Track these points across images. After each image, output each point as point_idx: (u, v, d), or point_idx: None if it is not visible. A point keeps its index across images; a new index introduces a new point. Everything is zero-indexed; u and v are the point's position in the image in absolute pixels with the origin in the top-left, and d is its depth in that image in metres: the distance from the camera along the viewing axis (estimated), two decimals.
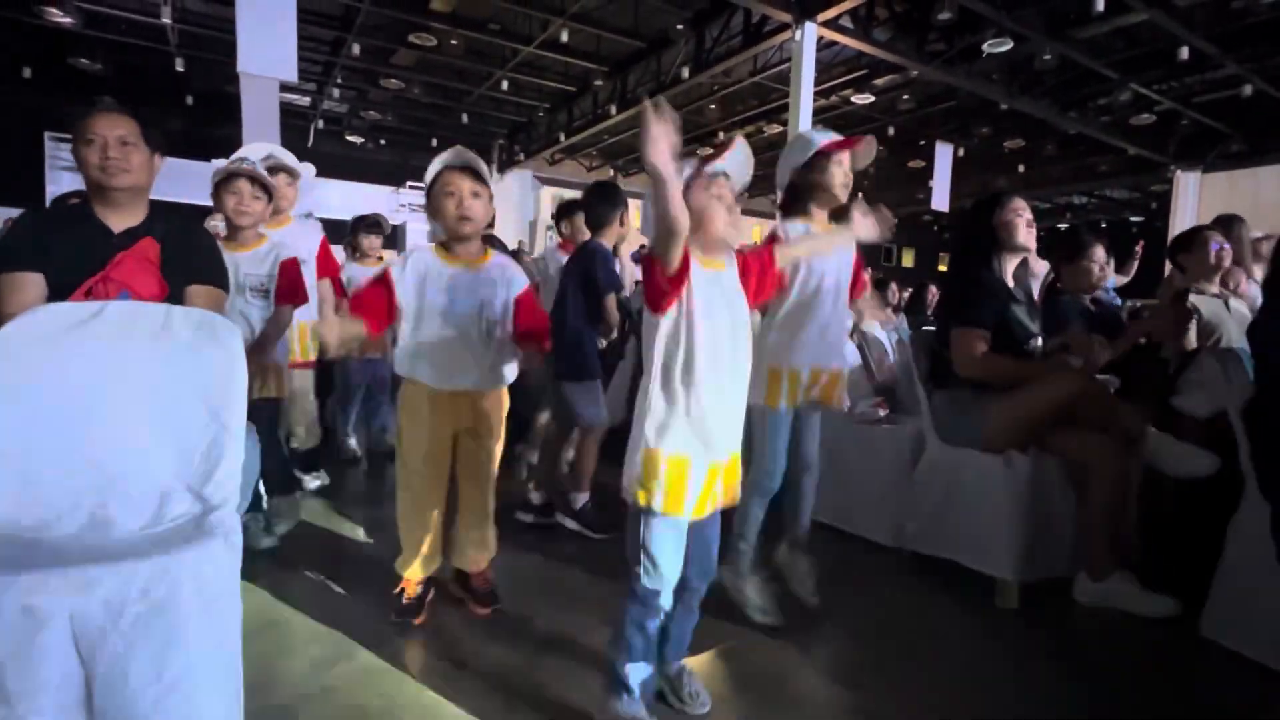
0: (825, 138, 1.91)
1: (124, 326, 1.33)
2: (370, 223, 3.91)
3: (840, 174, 1.89)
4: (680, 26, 9.11)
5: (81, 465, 1.21)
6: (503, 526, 2.17)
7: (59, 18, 9.03)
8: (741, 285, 1.47)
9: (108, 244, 1.63)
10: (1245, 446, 1.79)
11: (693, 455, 1.34)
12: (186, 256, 1.74)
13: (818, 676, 1.76)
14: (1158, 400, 2.35)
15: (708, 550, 1.48)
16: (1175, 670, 1.84)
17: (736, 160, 1.47)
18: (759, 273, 1.53)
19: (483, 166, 1.92)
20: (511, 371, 2.00)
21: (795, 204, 1.95)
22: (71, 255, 1.58)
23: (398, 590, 1.98)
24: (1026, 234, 2.17)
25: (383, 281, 1.82)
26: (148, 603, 0.98)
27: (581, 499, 2.68)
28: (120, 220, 1.67)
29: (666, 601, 1.42)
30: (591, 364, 2.66)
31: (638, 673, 1.42)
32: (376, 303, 1.80)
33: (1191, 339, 2.43)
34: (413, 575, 1.97)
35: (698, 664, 1.74)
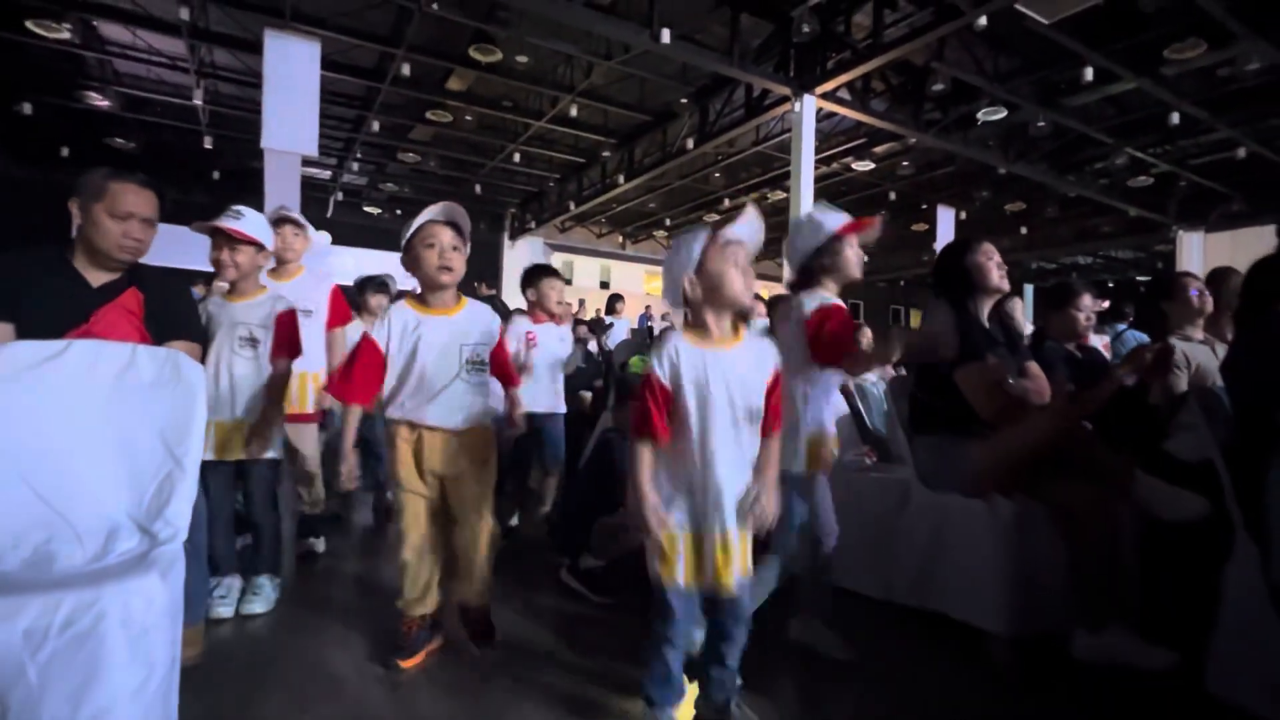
0: (836, 221, 1.96)
1: (88, 364, 1.36)
2: (378, 283, 4.01)
3: (853, 255, 1.96)
4: (684, 100, 9.52)
5: (30, 500, 1.21)
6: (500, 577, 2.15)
7: (98, 101, 9.64)
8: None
9: (86, 297, 1.64)
10: (1229, 486, 1.73)
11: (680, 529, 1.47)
12: (167, 308, 1.78)
13: None
14: (1149, 446, 2.29)
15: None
16: None
17: (750, 228, 1.55)
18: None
19: (466, 224, 1.99)
20: (489, 414, 2.03)
21: (809, 281, 2.00)
22: (49, 308, 1.58)
23: (404, 628, 1.97)
24: (999, 276, 2.18)
25: (365, 349, 1.89)
26: (69, 635, 0.96)
27: (589, 561, 2.62)
28: (100, 275, 1.69)
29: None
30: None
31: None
32: (367, 374, 1.88)
33: (1181, 383, 2.39)
34: (409, 612, 1.96)
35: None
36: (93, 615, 0.98)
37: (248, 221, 2.26)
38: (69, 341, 1.40)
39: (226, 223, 2.21)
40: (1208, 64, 7.16)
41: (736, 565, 1.49)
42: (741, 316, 1.54)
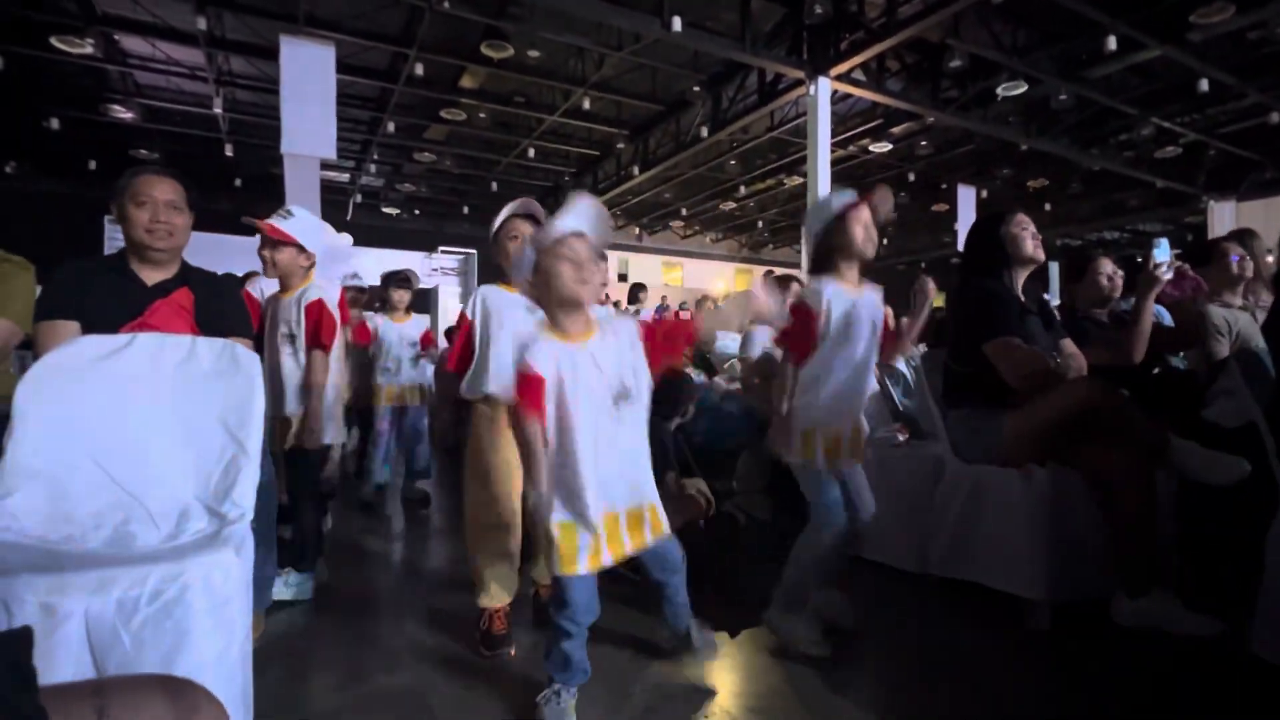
0: (842, 201, 1.93)
1: (152, 356, 1.42)
2: (400, 278, 4.14)
3: (860, 232, 1.89)
4: (697, 89, 9.48)
5: (107, 485, 1.28)
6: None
7: (122, 114, 9.85)
8: (644, 348, 1.54)
9: (142, 295, 1.74)
10: (1272, 446, 1.72)
11: (576, 518, 1.47)
12: (217, 306, 1.86)
13: (845, 705, 1.69)
14: (1187, 414, 2.28)
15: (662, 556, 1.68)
16: (1224, 691, 1.72)
17: (582, 217, 1.50)
18: (663, 335, 1.58)
19: (542, 213, 2.07)
20: None
21: (824, 264, 1.96)
22: (108, 305, 1.68)
23: (484, 622, 1.98)
24: (1034, 246, 2.17)
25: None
26: (158, 604, 1.03)
27: None
28: (154, 274, 1.79)
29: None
30: None
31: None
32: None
33: (1223, 349, 2.36)
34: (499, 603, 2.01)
35: (725, 689, 1.72)
36: (178, 586, 1.05)
37: (293, 222, 2.30)
38: (133, 335, 1.47)
39: (270, 221, 2.27)
40: (1236, 27, 6.98)
41: (648, 532, 1.55)
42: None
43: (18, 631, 0.61)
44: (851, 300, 1.88)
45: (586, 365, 1.47)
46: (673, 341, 1.62)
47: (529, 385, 1.42)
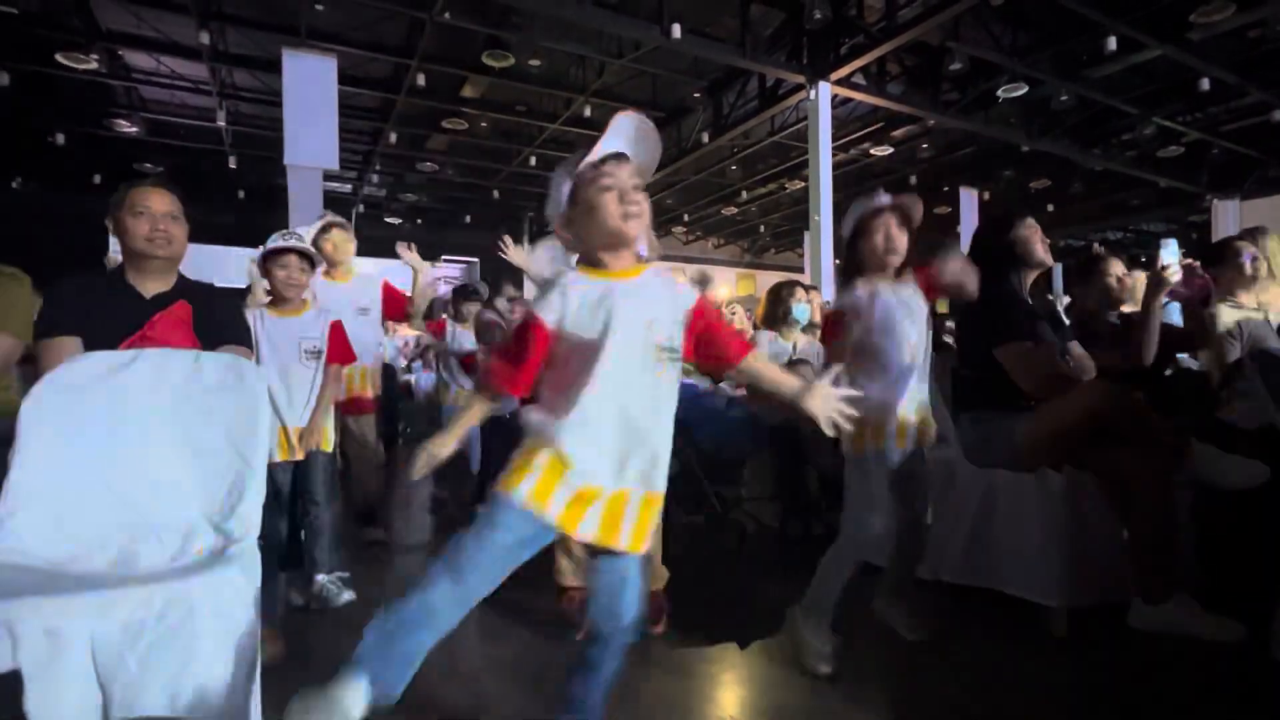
0: (864, 208, 1.91)
1: (156, 372, 1.41)
2: (470, 291, 4.28)
3: (881, 240, 1.85)
4: (697, 95, 9.51)
5: (112, 503, 1.27)
6: None
7: (127, 128, 9.91)
8: (685, 334, 1.29)
9: (141, 307, 1.74)
10: None
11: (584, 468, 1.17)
12: (215, 317, 1.86)
13: (860, 718, 1.67)
14: (1202, 415, 2.25)
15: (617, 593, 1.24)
16: (1246, 697, 1.69)
17: (623, 136, 1.26)
18: (703, 331, 1.31)
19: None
20: None
21: (851, 271, 1.92)
22: (108, 319, 1.68)
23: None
24: (1043, 250, 2.16)
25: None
26: (164, 627, 1.01)
27: None
28: (152, 286, 1.79)
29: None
30: None
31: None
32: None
33: (1234, 352, 2.33)
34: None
35: (735, 703, 1.69)
36: (185, 608, 1.03)
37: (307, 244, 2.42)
38: (138, 351, 1.46)
39: (302, 245, 2.36)
40: (1237, 26, 6.96)
41: (628, 531, 1.20)
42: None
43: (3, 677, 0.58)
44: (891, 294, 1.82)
45: (629, 302, 1.21)
46: (722, 344, 1.33)
47: (523, 343, 1.21)
